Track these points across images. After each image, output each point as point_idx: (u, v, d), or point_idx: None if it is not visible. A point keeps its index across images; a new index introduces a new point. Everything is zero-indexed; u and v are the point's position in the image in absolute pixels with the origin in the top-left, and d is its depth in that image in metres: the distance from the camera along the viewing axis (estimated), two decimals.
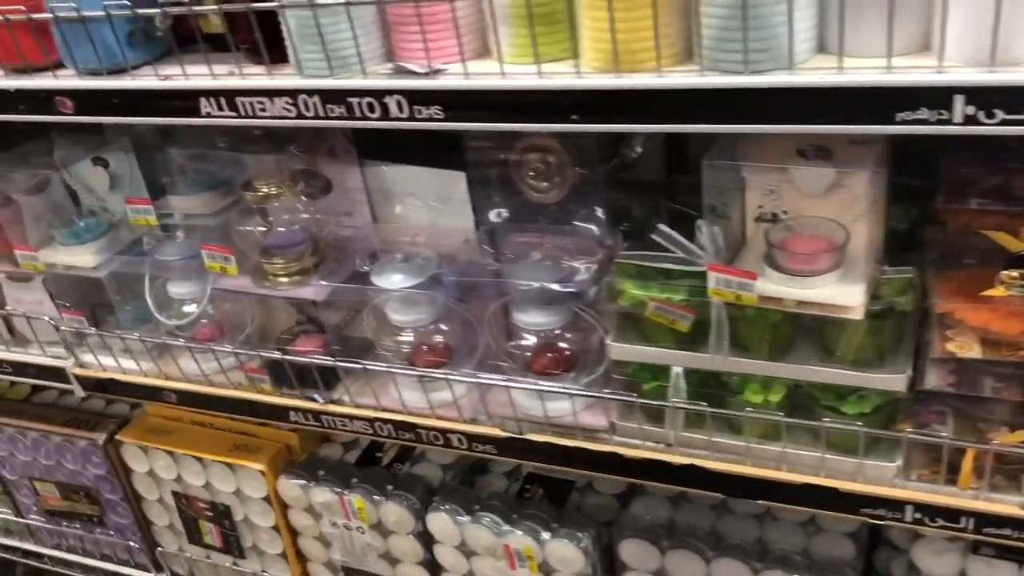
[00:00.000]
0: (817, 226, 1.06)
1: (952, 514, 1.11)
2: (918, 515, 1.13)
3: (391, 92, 1.05)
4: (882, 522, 1.15)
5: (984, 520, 1.09)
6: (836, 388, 1.14)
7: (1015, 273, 1.05)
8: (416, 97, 1.04)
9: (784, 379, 1.16)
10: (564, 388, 1.24)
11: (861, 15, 0.87)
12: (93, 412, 1.89)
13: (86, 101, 1.23)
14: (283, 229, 1.36)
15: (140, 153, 1.51)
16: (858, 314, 1.02)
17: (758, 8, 0.87)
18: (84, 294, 1.61)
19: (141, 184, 1.51)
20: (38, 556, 2.08)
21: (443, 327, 1.36)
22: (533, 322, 1.26)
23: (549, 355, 1.29)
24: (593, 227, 1.27)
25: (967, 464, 1.08)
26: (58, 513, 1.96)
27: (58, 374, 1.63)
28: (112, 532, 1.91)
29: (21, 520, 2.02)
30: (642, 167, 1.35)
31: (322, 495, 1.57)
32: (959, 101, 0.82)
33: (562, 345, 1.29)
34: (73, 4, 1.15)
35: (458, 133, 1.23)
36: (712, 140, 1.21)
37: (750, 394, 1.17)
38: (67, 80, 1.24)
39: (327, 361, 1.36)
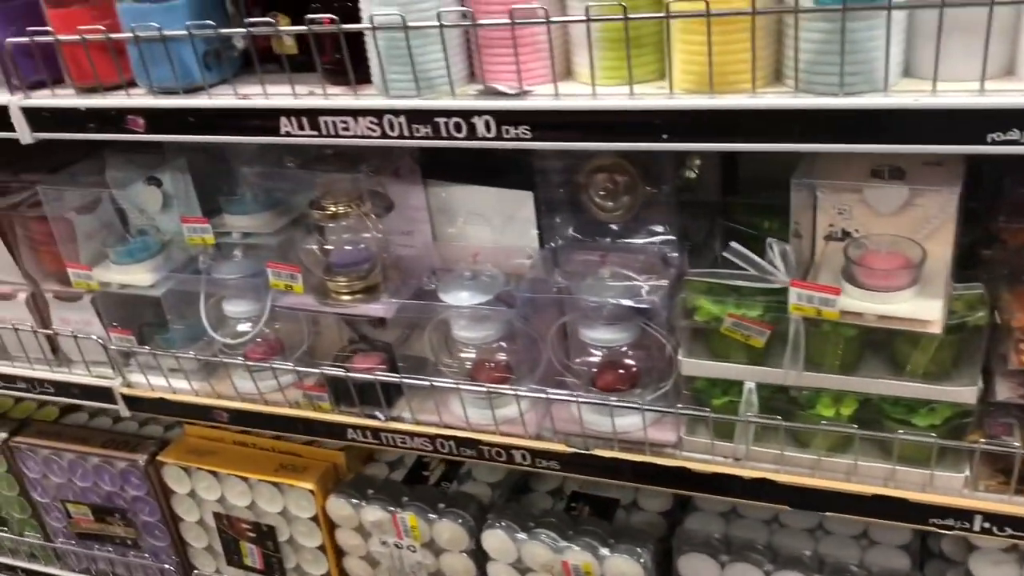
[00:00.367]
0: (893, 243, 1.10)
1: (1021, 523, 1.14)
2: (987, 524, 1.16)
3: (480, 112, 1.07)
4: (951, 532, 1.17)
5: None
6: (906, 401, 1.17)
7: None
8: (505, 117, 1.06)
9: (855, 393, 1.19)
10: (636, 403, 1.25)
11: (950, 41, 0.91)
12: (129, 433, 1.88)
13: (160, 120, 1.24)
14: (349, 248, 1.37)
15: (193, 172, 1.52)
16: (937, 328, 1.06)
17: (855, 33, 0.91)
18: (132, 313, 1.61)
19: (195, 203, 1.51)
20: None
21: (506, 344, 1.37)
22: (602, 338, 1.28)
23: (616, 371, 1.31)
24: (658, 245, 1.30)
25: None
26: (90, 536, 1.93)
27: (104, 394, 1.62)
28: (147, 554, 1.90)
29: (49, 544, 2.00)
30: (699, 188, 1.39)
31: (373, 514, 1.57)
32: None
33: (628, 361, 1.31)
34: (155, 23, 1.17)
35: (521, 153, 1.26)
36: (764, 162, 1.25)
37: (822, 408, 1.20)
38: (141, 99, 1.25)
39: (393, 378, 1.37)
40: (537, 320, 1.34)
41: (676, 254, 1.28)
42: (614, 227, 1.33)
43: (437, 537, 1.56)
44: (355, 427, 1.45)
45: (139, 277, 1.50)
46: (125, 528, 1.87)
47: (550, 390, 1.31)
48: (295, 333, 1.54)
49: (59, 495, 1.90)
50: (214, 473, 1.70)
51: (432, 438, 1.40)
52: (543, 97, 1.06)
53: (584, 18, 1.00)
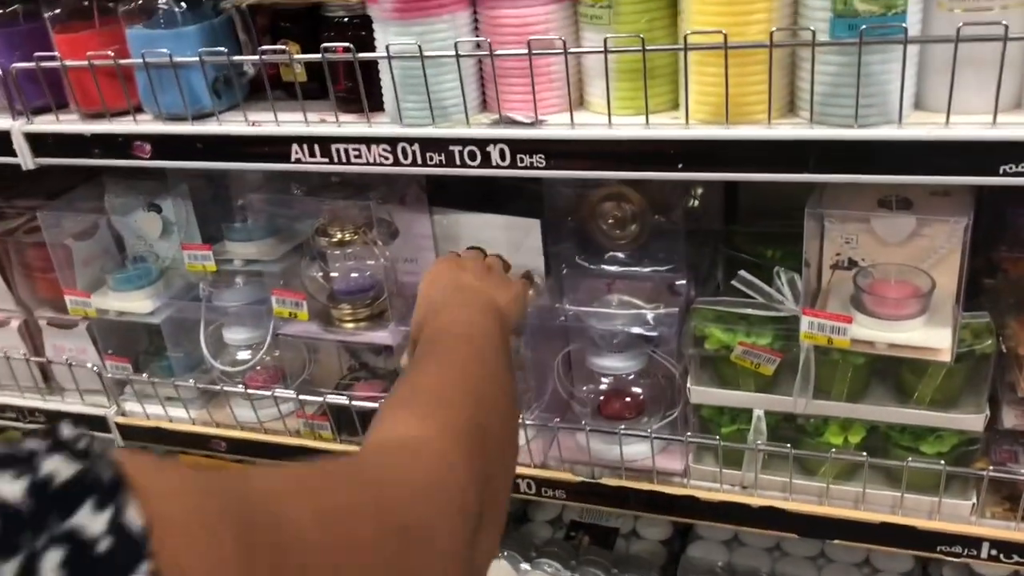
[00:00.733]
0: (902, 272, 1.11)
1: None
2: (994, 552, 1.17)
3: (495, 141, 1.08)
4: (958, 559, 1.18)
5: None
6: (913, 429, 1.18)
7: None
8: (520, 146, 1.07)
9: (863, 420, 1.20)
10: (644, 432, 1.25)
11: (962, 74, 0.93)
12: None
13: (167, 146, 1.23)
14: (355, 275, 1.37)
15: (194, 198, 1.51)
16: (947, 357, 1.07)
17: (870, 66, 0.93)
18: (129, 340, 1.59)
19: (196, 230, 1.50)
20: None
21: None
22: (609, 366, 1.28)
23: (623, 399, 1.31)
24: (665, 273, 1.31)
25: None
26: None
27: (98, 423, 1.59)
28: None
29: None
30: (701, 216, 1.40)
31: None
32: None
33: (635, 389, 1.31)
34: (165, 50, 1.16)
35: (528, 180, 1.26)
36: (765, 191, 1.26)
37: (830, 436, 1.20)
38: (148, 125, 1.24)
39: None
40: (543, 348, 1.34)
41: (683, 282, 1.29)
42: (621, 255, 1.34)
43: None
44: None
45: (138, 304, 1.48)
46: None
47: (556, 419, 1.30)
48: (295, 361, 1.52)
49: None
50: None
51: None
52: (558, 127, 1.07)
53: (602, 49, 1.01)
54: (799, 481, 1.23)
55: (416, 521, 0.61)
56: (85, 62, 1.21)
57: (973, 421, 1.13)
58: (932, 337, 1.07)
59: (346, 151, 1.15)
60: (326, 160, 1.16)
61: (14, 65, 1.26)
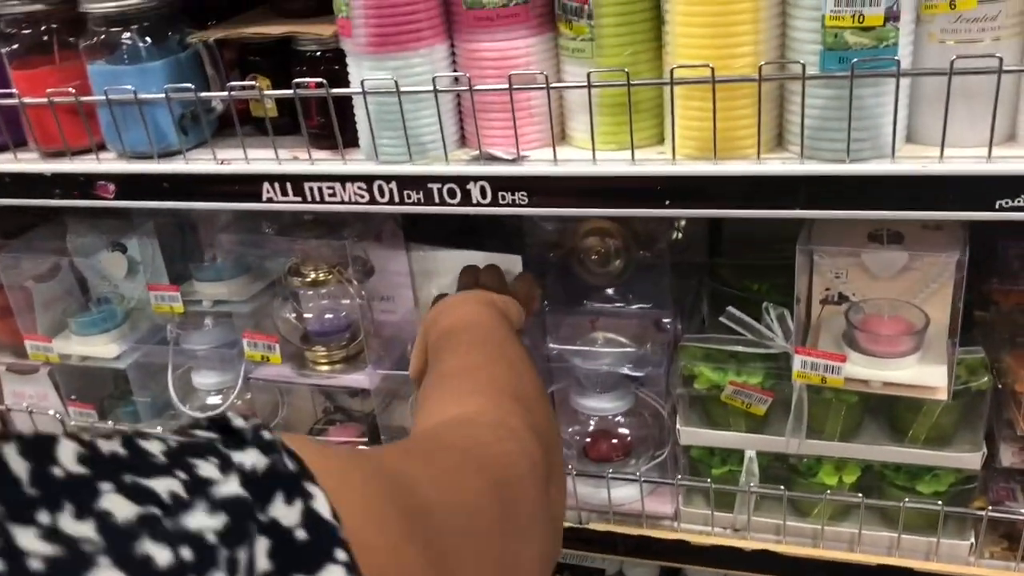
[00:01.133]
0: (894, 308, 1.09)
1: None
2: None
3: (476, 178, 1.04)
4: None
5: None
6: (909, 468, 1.15)
7: None
8: (502, 183, 1.03)
9: (857, 460, 1.17)
10: (632, 475, 1.21)
11: (955, 107, 0.91)
12: None
13: (132, 186, 1.18)
14: (329, 316, 1.32)
15: (161, 237, 1.45)
16: (943, 395, 1.04)
17: (862, 99, 0.90)
18: (93, 385, 1.53)
19: (162, 269, 1.45)
20: None
21: None
22: (596, 407, 1.24)
23: (609, 440, 1.27)
24: (650, 309, 1.27)
25: None
26: None
27: None
28: None
29: None
30: (685, 249, 1.37)
31: None
32: None
33: (622, 430, 1.27)
34: (129, 86, 1.11)
35: (508, 216, 1.23)
36: (750, 223, 1.23)
37: (824, 476, 1.17)
38: (112, 163, 1.19)
39: None
40: None
41: (669, 319, 1.26)
42: (605, 291, 1.30)
43: None
44: None
45: (102, 349, 1.42)
46: None
47: None
48: (268, 404, 1.47)
49: None
50: None
51: None
52: (541, 163, 1.03)
53: (585, 84, 0.97)
54: (793, 523, 1.19)
55: (505, 482, 0.63)
56: (44, 99, 1.15)
57: (970, 459, 1.10)
58: (928, 375, 1.04)
59: (320, 189, 1.10)
60: (299, 199, 1.12)
61: None
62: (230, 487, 0.38)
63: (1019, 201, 0.89)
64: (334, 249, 1.26)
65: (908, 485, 1.15)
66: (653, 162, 1.00)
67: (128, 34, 1.13)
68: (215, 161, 1.15)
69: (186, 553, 0.34)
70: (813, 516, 1.20)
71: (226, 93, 1.10)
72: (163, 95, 1.11)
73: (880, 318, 1.08)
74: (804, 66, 0.89)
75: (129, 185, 1.18)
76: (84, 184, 1.20)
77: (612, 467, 1.24)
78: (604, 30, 0.97)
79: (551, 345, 1.26)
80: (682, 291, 1.34)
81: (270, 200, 1.13)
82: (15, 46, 1.19)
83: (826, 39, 0.88)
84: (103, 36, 1.14)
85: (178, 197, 1.17)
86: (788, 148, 0.98)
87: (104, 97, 1.13)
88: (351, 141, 1.11)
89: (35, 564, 0.30)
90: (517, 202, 1.04)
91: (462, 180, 1.04)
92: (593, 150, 1.01)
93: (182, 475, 0.37)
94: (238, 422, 0.43)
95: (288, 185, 1.11)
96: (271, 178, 1.11)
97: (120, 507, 0.34)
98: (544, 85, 0.99)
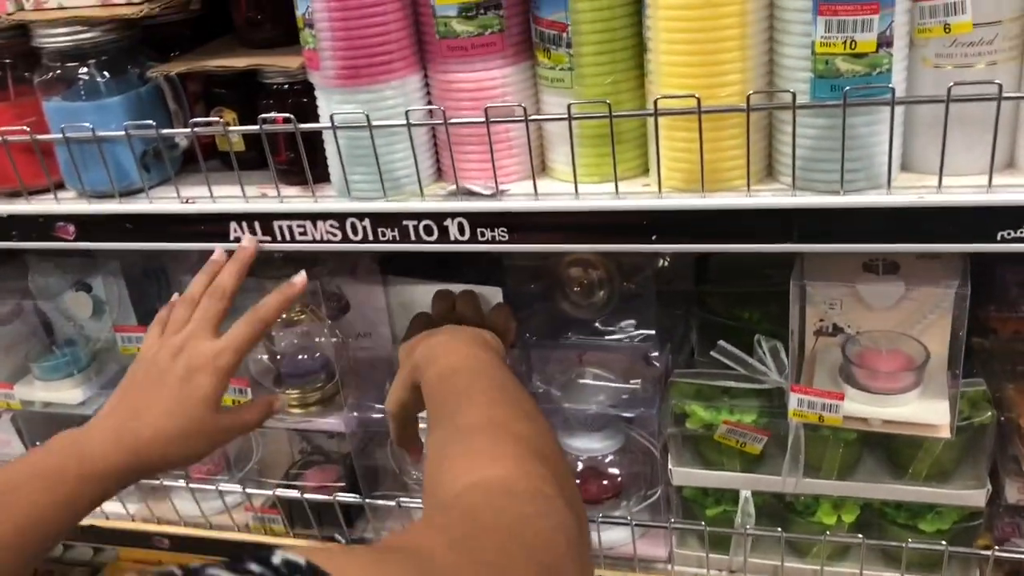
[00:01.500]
0: (892, 341, 1.04)
1: None
2: None
3: (453, 215, 0.99)
4: None
5: None
6: (910, 505, 1.10)
7: None
8: (481, 220, 0.98)
9: (855, 498, 1.12)
10: (624, 519, 1.16)
11: (950, 135, 0.87)
12: (52, 560, 1.70)
13: (94, 227, 1.12)
14: (303, 357, 1.26)
15: (127, 276, 1.39)
16: (946, 432, 1.00)
17: (855, 128, 0.86)
18: (58, 430, 1.45)
19: (129, 309, 1.39)
20: None
21: None
22: (585, 447, 1.19)
23: (599, 481, 1.22)
24: (638, 342, 1.23)
25: None
26: None
27: None
28: None
29: None
30: (672, 277, 1.32)
31: None
32: None
33: (612, 471, 1.22)
34: (87, 124, 1.06)
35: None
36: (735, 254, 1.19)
37: (823, 515, 1.12)
38: (72, 204, 1.13)
39: (354, 499, 1.25)
40: None
41: (657, 352, 1.21)
42: (590, 323, 1.25)
43: None
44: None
45: (67, 395, 1.35)
46: None
47: None
48: (242, 447, 1.41)
49: None
50: None
51: None
52: (521, 197, 0.99)
53: (565, 116, 0.93)
54: (791, 564, 1.15)
55: (551, 567, 0.63)
56: None
57: (974, 496, 1.06)
58: (929, 411, 1.00)
59: (290, 228, 1.05)
60: (268, 239, 1.07)
61: None
62: None
63: (1022, 232, 0.85)
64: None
65: (910, 523, 1.10)
66: (638, 195, 0.95)
67: (85, 69, 1.08)
68: (179, 200, 1.09)
69: None
70: (811, 556, 1.15)
71: (189, 130, 1.05)
72: (123, 132, 1.05)
73: (878, 352, 1.04)
74: (795, 95, 0.85)
75: (90, 226, 1.13)
76: (43, 225, 1.14)
77: (602, 509, 1.19)
78: (584, 59, 0.92)
79: (537, 382, 1.21)
80: (670, 321, 1.30)
81: (238, 240, 1.08)
82: None
83: (817, 66, 0.84)
84: (59, 71, 1.08)
85: (142, 238, 1.12)
86: (779, 179, 0.94)
87: (61, 135, 1.07)
88: (322, 176, 1.06)
89: None
90: (497, 239, 0.99)
91: (439, 216, 0.99)
92: (575, 183, 0.96)
93: None
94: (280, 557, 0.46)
95: (256, 224, 1.06)
96: (238, 217, 1.06)
97: None
98: (523, 118, 0.94)
